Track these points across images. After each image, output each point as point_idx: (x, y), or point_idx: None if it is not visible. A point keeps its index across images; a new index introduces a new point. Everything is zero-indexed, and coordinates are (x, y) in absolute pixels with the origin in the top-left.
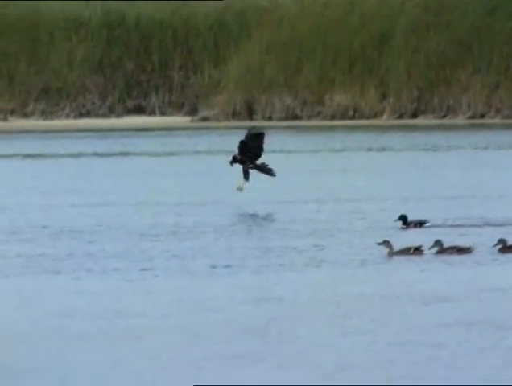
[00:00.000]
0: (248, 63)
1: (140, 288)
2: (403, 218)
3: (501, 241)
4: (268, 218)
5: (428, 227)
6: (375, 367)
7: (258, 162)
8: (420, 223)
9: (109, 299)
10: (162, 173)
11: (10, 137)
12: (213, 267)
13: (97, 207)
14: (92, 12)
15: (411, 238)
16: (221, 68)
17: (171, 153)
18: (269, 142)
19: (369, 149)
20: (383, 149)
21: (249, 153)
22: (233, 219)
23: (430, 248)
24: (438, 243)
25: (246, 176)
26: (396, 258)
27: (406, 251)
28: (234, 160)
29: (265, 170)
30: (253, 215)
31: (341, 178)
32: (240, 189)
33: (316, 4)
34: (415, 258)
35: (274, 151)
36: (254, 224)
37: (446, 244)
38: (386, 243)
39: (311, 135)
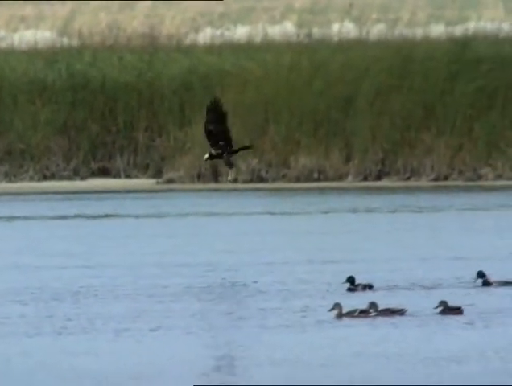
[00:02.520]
0: None
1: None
2: (351, 280)
3: (442, 303)
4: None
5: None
6: None
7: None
8: (369, 286)
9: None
10: (131, 235)
11: None
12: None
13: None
14: (56, 75)
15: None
16: (186, 130)
17: (137, 216)
18: (235, 204)
19: (333, 211)
20: (348, 210)
21: (221, 142)
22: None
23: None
24: (373, 305)
25: (230, 165)
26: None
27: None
28: (211, 157)
29: (242, 148)
30: (224, 279)
31: (299, 239)
32: (232, 180)
33: (281, 68)
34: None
35: (239, 213)
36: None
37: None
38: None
39: (275, 197)
